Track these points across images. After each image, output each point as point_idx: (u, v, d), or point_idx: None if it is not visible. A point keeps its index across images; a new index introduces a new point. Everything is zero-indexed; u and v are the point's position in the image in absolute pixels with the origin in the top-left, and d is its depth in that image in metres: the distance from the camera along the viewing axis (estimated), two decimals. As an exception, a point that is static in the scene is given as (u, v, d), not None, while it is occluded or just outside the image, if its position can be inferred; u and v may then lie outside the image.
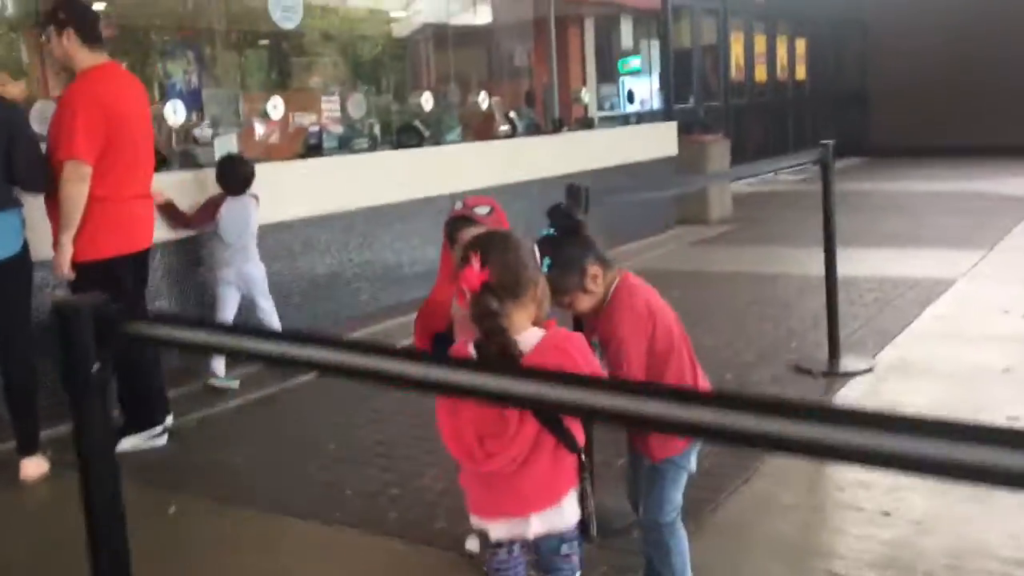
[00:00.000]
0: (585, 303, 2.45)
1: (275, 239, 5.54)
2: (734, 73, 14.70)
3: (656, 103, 12.50)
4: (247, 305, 5.05)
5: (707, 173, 10.01)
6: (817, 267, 4.97)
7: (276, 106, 6.20)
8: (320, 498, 3.59)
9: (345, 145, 6.48)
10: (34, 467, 3.87)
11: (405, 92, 8.84)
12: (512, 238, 2.25)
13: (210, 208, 4.95)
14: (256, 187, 5.25)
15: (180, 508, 3.58)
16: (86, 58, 3.94)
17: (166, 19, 8.46)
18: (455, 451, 2.19)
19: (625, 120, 10.84)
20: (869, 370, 4.81)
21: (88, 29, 3.94)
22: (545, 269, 2.30)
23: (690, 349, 2.55)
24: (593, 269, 2.42)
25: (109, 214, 3.97)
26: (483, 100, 8.28)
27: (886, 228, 9.38)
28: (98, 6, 7.80)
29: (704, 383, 2.60)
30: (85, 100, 3.85)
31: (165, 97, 7.51)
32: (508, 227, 2.59)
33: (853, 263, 6.84)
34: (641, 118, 11.06)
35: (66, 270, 3.90)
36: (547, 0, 9.09)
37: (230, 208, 4.94)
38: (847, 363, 4.88)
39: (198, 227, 5.00)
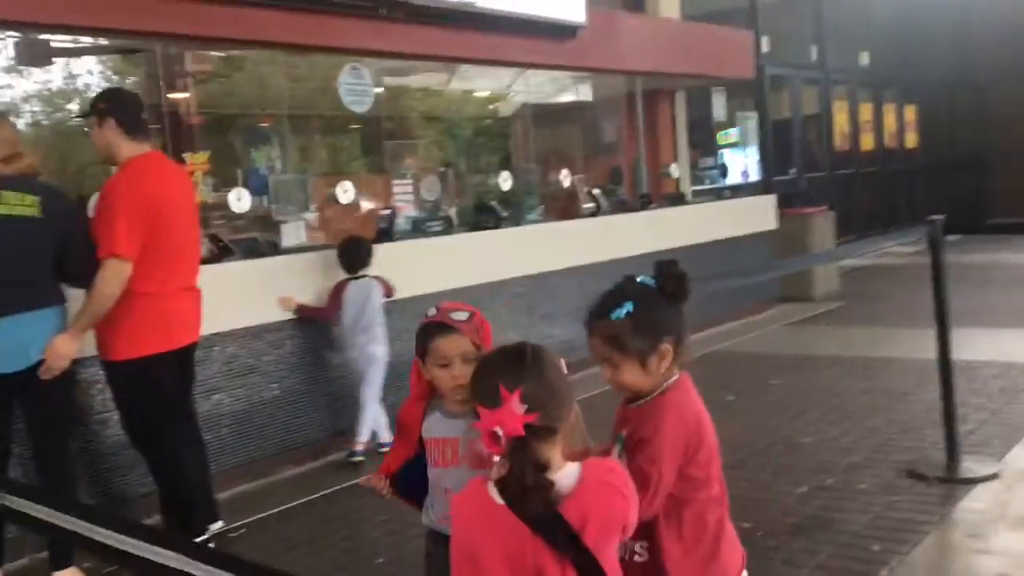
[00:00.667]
0: (631, 379, 2.01)
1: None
2: (838, 142, 14.09)
3: (755, 175, 12.03)
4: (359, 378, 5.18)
5: (809, 248, 9.44)
6: (934, 350, 4.41)
7: (346, 190, 6.05)
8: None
9: (418, 228, 6.27)
10: None
11: (487, 172, 8.65)
12: (542, 352, 1.86)
13: (336, 293, 5.14)
14: (320, 277, 5.07)
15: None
16: (128, 148, 3.80)
17: (251, 107, 8.56)
18: None
19: (720, 194, 10.40)
20: (995, 475, 4.18)
21: (130, 119, 3.82)
22: (622, 315, 1.98)
23: (722, 483, 2.10)
24: (667, 348, 2.01)
25: (150, 311, 3.78)
26: (565, 178, 8.01)
27: (1009, 305, 8.59)
28: (184, 96, 7.95)
29: (729, 529, 2.10)
30: (126, 193, 3.70)
31: (249, 184, 7.52)
32: (490, 336, 2.23)
33: (974, 346, 6.19)
34: (738, 191, 10.60)
35: (62, 366, 3.62)
36: (634, 77, 8.81)
37: (350, 290, 5.13)
38: (969, 467, 4.26)
39: (332, 315, 5.12)
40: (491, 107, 11.24)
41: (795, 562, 3.47)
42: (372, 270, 5.21)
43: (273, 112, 8.79)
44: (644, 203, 8.27)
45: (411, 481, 2.30)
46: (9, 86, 14.74)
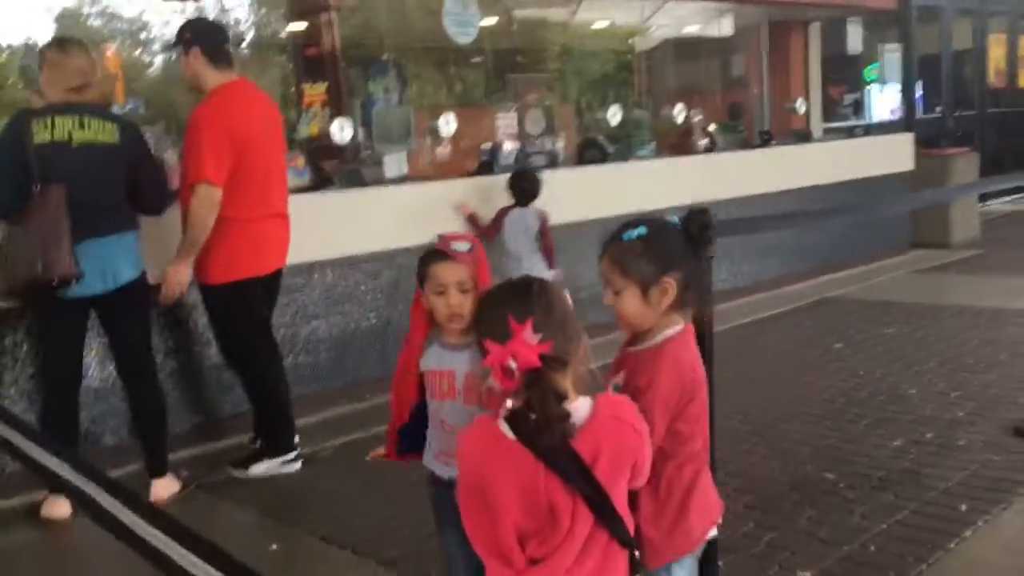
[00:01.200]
0: (630, 309, 1.96)
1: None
2: (993, 79, 13.09)
3: (897, 113, 11.34)
4: None
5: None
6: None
7: (448, 122, 6.05)
8: (415, 551, 3.29)
9: (520, 162, 6.21)
10: (164, 488, 3.87)
11: (600, 107, 8.45)
12: (548, 284, 1.82)
13: (499, 218, 5.43)
14: (419, 208, 5.13)
15: (282, 545, 3.42)
16: (214, 77, 3.91)
17: (371, 39, 8.63)
18: (484, 551, 1.78)
19: (851, 132, 9.85)
20: (1113, 441, 3.88)
21: (215, 48, 3.92)
22: (633, 236, 1.97)
23: (705, 439, 2.06)
24: (670, 282, 1.94)
25: (241, 235, 3.91)
26: (679, 113, 7.75)
27: None
28: (299, 26, 8.09)
29: (703, 484, 2.04)
30: (211, 121, 3.81)
31: (366, 116, 7.62)
32: (487, 269, 2.19)
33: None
34: (878, 130, 10.01)
35: (178, 293, 3.85)
36: (764, 7, 8.38)
37: (512, 218, 5.39)
38: (1085, 429, 3.97)
39: (492, 236, 5.37)
40: (622, 41, 10.99)
41: (874, 517, 3.33)
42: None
43: (398, 44, 8.86)
44: (765, 140, 7.93)
45: (415, 435, 2.30)
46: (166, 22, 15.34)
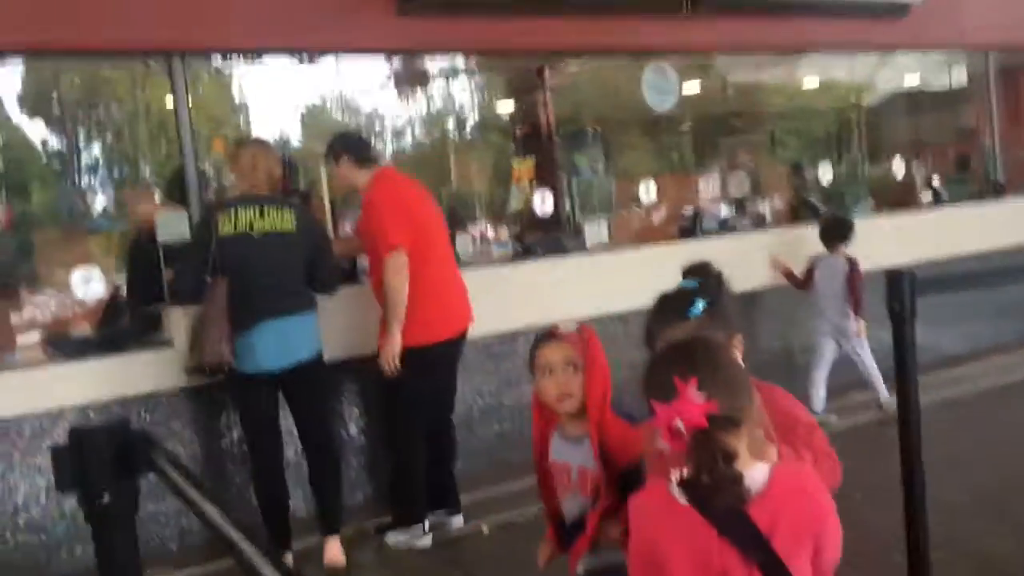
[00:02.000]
0: None
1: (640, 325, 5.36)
2: None
3: None
4: (847, 356, 5.59)
5: None
6: None
7: (648, 190, 6.07)
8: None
9: (724, 226, 6.11)
10: (337, 548, 4.05)
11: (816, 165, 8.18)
12: (715, 342, 1.78)
13: (810, 267, 5.68)
14: (619, 275, 5.16)
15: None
16: (362, 176, 4.22)
17: (580, 113, 8.86)
18: None
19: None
20: None
21: (360, 153, 4.26)
22: (699, 311, 1.97)
23: None
24: (740, 339, 2.01)
25: (432, 297, 4.10)
26: (898, 167, 7.35)
27: None
28: (507, 106, 8.44)
29: None
30: (383, 197, 4.09)
31: (569, 186, 7.80)
32: (600, 349, 2.18)
33: None
34: None
35: (396, 361, 4.05)
36: (987, 56, 7.87)
37: (822, 265, 5.63)
38: None
39: (806, 286, 5.67)
40: (841, 97, 10.66)
41: None
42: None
43: (610, 117, 9.05)
44: (997, 192, 7.36)
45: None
46: (398, 113, 16.48)
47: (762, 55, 7.49)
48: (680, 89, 6.29)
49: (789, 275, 5.76)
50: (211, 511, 1.15)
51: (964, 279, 3.97)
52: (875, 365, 5.51)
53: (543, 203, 5.80)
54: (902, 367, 2.57)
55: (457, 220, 6.09)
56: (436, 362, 4.22)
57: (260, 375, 3.87)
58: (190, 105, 4.69)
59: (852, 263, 5.55)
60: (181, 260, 4.28)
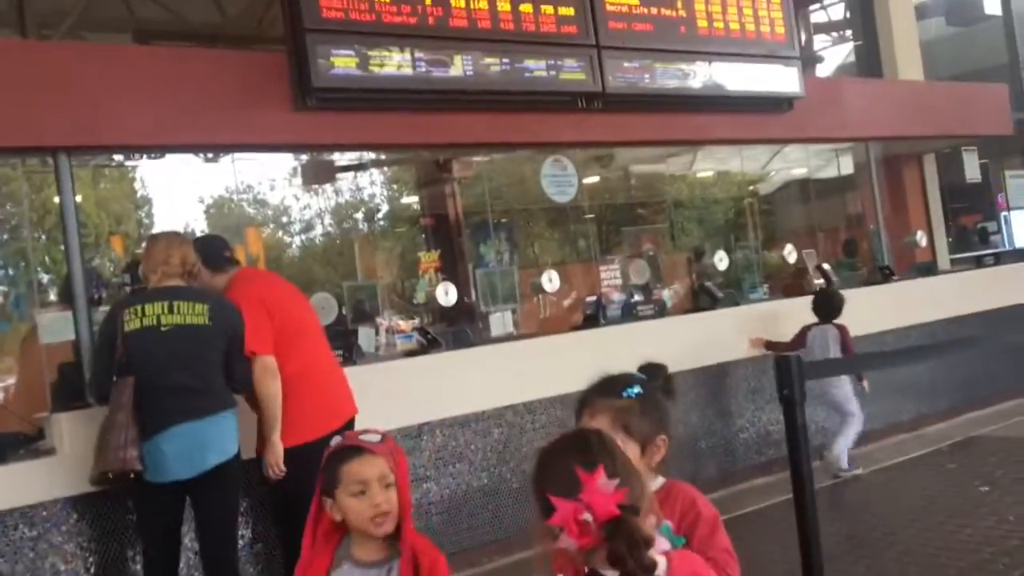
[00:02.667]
0: None
1: (548, 414, 5.37)
2: None
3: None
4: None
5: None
6: None
7: (551, 279, 6.14)
8: None
9: (627, 313, 6.21)
10: None
11: (712, 254, 8.44)
12: (603, 433, 1.76)
13: (802, 334, 6.12)
14: (525, 365, 5.17)
15: None
16: (221, 279, 4.11)
17: (486, 205, 8.99)
18: None
19: (980, 262, 9.42)
20: None
21: (213, 257, 4.12)
22: (632, 394, 2.00)
23: None
24: (663, 440, 2.02)
25: (307, 392, 3.98)
26: (789, 253, 7.63)
27: None
28: (411, 200, 8.51)
29: None
30: (238, 300, 3.93)
31: (474, 277, 7.85)
32: (406, 464, 2.05)
33: None
34: (1006, 258, 9.54)
35: (280, 465, 3.89)
36: (865, 148, 8.33)
37: (815, 333, 6.09)
38: None
39: (796, 348, 5.95)
40: (737, 187, 11.09)
41: None
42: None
43: (517, 207, 9.19)
44: (885, 276, 7.68)
45: None
46: (305, 205, 16.37)
47: (660, 148, 7.75)
48: (579, 180, 6.43)
49: (772, 346, 6.15)
50: None
51: (847, 363, 4.10)
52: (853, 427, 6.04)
53: (446, 295, 5.81)
54: (794, 449, 2.62)
55: (362, 313, 6.03)
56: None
57: (164, 484, 3.61)
58: (78, 202, 4.55)
59: (843, 330, 6.04)
60: (93, 361, 4.05)
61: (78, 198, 4.62)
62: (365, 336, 5.45)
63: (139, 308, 3.68)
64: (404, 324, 5.66)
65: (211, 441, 3.68)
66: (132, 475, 3.55)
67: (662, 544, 1.74)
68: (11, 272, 8.37)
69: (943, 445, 6.72)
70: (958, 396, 7.56)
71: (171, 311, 3.68)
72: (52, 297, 6.14)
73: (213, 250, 4.22)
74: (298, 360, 4.00)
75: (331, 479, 1.96)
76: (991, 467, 5.90)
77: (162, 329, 3.65)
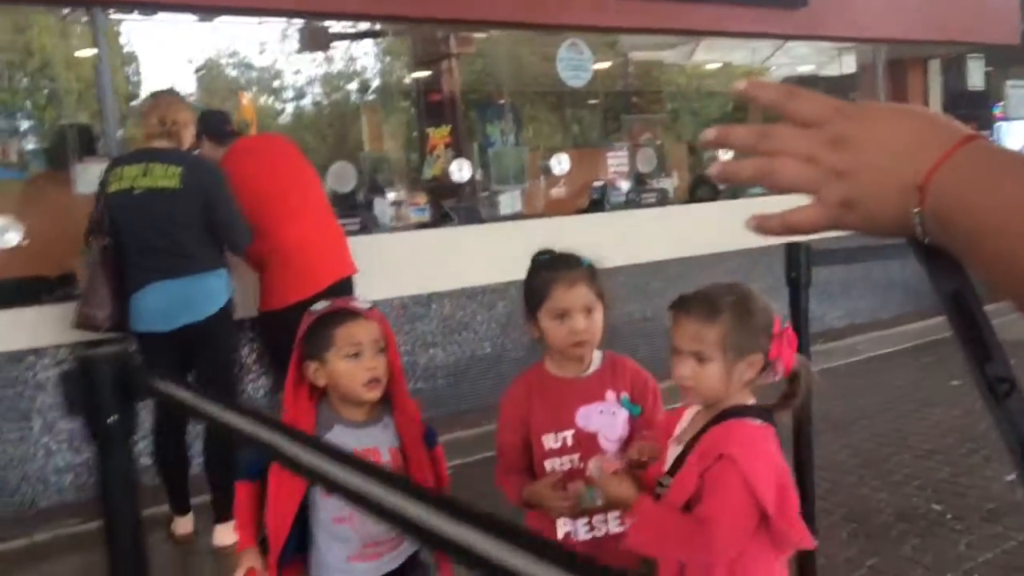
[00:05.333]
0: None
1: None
2: None
3: (1025, 149, 10.96)
4: None
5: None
6: None
7: (560, 162, 6.29)
8: None
9: (632, 200, 6.40)
10: (230, 534, 3.78)
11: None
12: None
13: None
14: (532, 243, 5.34)
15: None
16: (220, 152, 4.19)
17: (489, 84, 9.02)
18: None
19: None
20: None
21: (217, 131, 4.20)
22: (585, 263, 2.06)
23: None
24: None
25: (284, 262, 4.13)
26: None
27: None
28: (423, 74, 8.52)
29: None
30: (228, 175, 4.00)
31: (484, 157, 7.98)
32: (390, 328, 2.06)
33: None
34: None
35: None
36: (878, 46, 8.36)
37: None
38: None
39: None
40: (738, 80, 11.10)
41: (980, 546, 3.33)
42: None
43: (518, 89, 9.22)
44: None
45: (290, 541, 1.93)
46: (296, 71, 16.22)
47: (661, 36, 7.77)
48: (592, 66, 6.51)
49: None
50: (232, 417, 1.26)
51: (852, 253, 4.32)
52: None
53: (460, 171, 5.95)
54: (797, 331, 2.86)
55: (375, 185, 6.18)
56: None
57: (153, 334, 3.76)
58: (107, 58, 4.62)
59: None
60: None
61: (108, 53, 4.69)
62: (380, 207, 5.62)
63: (120, 171, 3.76)
64: (419, 197, 5.81)
65: (189, 299, 3.77)
66: (101, 328, 3.74)
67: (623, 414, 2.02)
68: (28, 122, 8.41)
69: (921, 341, 7.06)
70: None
71: (144, 174, 3.72)
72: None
73: (215, 124, 4.29)
74: (279, 233, 4.04)
75: (321, 342, 1.90)
76: (959, 377, 6.24)
77: (134, 192, 3.71)
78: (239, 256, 4.02)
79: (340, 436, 1.92)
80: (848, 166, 0.65)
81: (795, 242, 2.89)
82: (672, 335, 1.77)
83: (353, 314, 1.95)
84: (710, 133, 0.73)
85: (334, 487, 0.95)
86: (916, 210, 0.62)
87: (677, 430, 1.85)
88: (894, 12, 7.89)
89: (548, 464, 2.02)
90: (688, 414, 1.86)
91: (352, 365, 1.90)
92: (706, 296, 1.76)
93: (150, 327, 3.73)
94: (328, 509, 1.92)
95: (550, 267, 2.09)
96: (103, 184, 3.81)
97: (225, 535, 3.86)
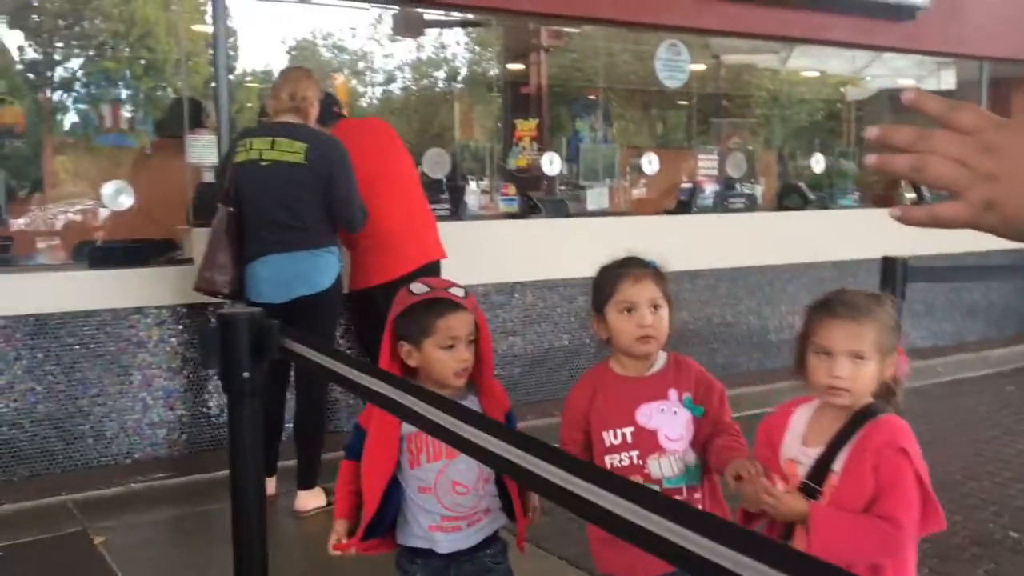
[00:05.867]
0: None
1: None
2: None
3: None
4: None
5: None
6: None
7: (651, 161, 6.31)
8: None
9: (718, 204, 6.39)
10: (311, 500, 4.02)
11: (805, 154, 8.49)
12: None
13: None
14: (617, 240, 5.39)
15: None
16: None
17: (578, 78, 9.04)
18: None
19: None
20: None
21: (323, 112, 4.20)
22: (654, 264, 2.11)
23: None
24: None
25: (368, 246, 4.25)
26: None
27: None
28: (518, 66, 8.61)
29: None
30: None
31: (570, 151, 8.04)
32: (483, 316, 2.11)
33: None
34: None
35: None
36: (979, 65, 8.17)
37: None
38: None
39: None
40: (833, 90, 10.94)
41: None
42: None
43: (606, 86, 9.23)
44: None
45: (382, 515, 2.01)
46: (388, 55, 16.41)
47: (766, 41, 7.72)
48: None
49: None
50: (352, 372, 1.35)
51: (950, 271, 4.28)
52: None
53: (551, 164, 6.03)
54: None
55: (465, 173, 6.29)
56: (385, 302, 4.25)
57: (264, 305, 3.76)
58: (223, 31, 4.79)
59: None
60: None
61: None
62: (471, 194, 5.72)
63: (249, 141, 3.89)
64: (508, 187, 5.91)
65: (302, 273, 3.87)
66: (220, 294, 3.89)
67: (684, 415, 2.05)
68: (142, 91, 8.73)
69: (1004, 368, 6.91)
70: (1024, 324, 7.68)
71: (272, 147, 3.83)
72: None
73: (324, 105, 4.33)
74: (372, 214, 4.06)
75: (422, 328, 1.96)
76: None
77: (262, 164, 3.83)
78: (354, 234, 4.10)
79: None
80: (996, 170, 0.71)
81: (893, 256, 2.91)
82: (818, 339, 1.80)
83: (453, 304, 1.98)
84: (873, 131, 0.81)
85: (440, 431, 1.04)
86: None
87: (789, 434, 1.88)
88: (1002, 30, 7.70)
89: (608, 460, 2.07)
90: (801, 416, 1.89)
91: (447, 355, 1.96)
92: (853, 298, 1.82)
93: (264, 298, 3.83)
94: (414, 482, 2.02)
95: (618, 265, 2.16)
96: (230, 154, 3.96)
97: (307, 501, 4.01)
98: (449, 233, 4.61)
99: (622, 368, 2.13)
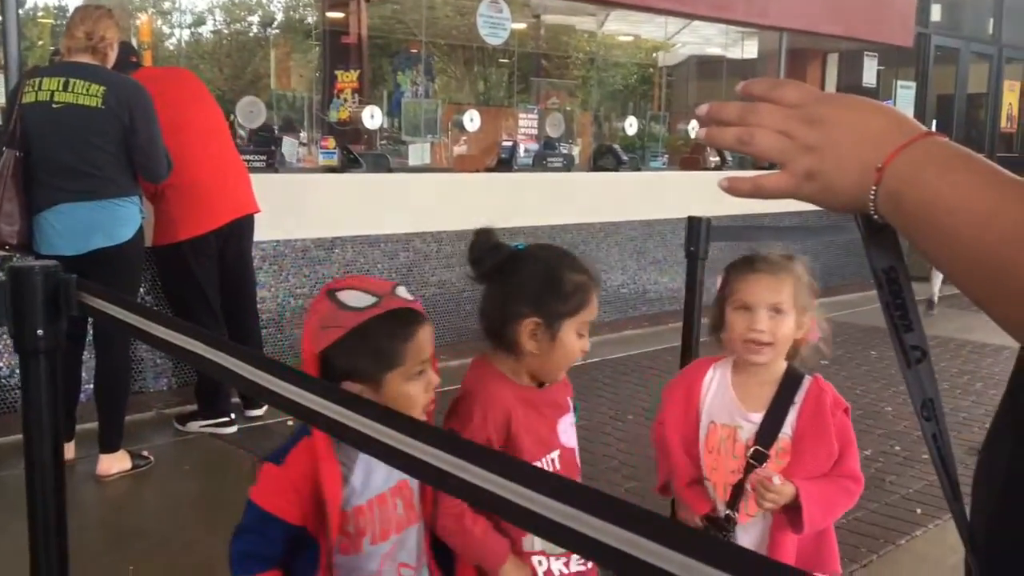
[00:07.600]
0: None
1: (453, 246, 5.68)
2: (1004, 124, 13.37)
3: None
4: None
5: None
6: None
7: (472, 119, 6.34)
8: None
9: (537, 163, 6.51)
10: (115, 463, 3.85)
11: (619, 116, 8.76)
12: None
13: None
14: (439, 197, 5.39)
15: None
16: None
17: (400, 31, 8.92)
18: None
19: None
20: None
21: (117, 63, 3.90)
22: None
23: None
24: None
25: (169, 201, 4.08)
26: (693, 129, 8.04)
27: None
28: (337, 15, 8.39)
29: None
30: None
31: (392, 105, 7.94)
32: None
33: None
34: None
35: None
36: (779, 36, 8.67)
37: None
38: None
39: None
40: (646, 55, 11.31)
41: (835, 513, 3.61)
42: None
43: (428, 40, 9.16)
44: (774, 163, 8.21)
45: None
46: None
47: (577, 2, 7.84)
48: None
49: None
50: (160, 330, 1.30)
51: (748, 230, 4.54)
52: None
53: (372, 118, 5.93)
54: (690, 300, 3.04)
55: (287, 124, 6.10)
56: (194, 257, 4.15)
57: (55, 258, 3.46)
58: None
59: None
60: None
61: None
62: (289, 146, 5.56)
63: (37, 81, 3.59)
64: (327, 140, 5.77)
65: (99, 223, 3.63)
66: (7, 247, 3.61)
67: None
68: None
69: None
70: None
71: (65, 88, 3.55)
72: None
73: (120, 55, 4.02)
74: (177, 165, 3.86)
75: (383, 358, 1.44)
76: (834, 347, 6.63)
77: (54, 106, 3.55)
78: (158, 185, 3.88)
79: (371, 473, 1.51)
80: (818, 142, 0.76)
81: (696, 216, 3.06)
82: (739, 295, 1.83)
83: (415, 315, 1.49)
84: (703, 108, 0.84)
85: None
86: (873, 188, 0.72)
87: (711, 397, 1.90)
88: (801, 4, 8.19)
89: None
90: (717, 378, 1.91)
91: (417, 387, 1.47)
92: (771, 256, 1.87)
93: (56, 250, 3.56)
94: (345, 572, 1.51)
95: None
96: (16, 93, 3.63)
97: (110, 464, 3.83)
98: (265, 186, 4.46)
99: (520, 379, 1.73)
